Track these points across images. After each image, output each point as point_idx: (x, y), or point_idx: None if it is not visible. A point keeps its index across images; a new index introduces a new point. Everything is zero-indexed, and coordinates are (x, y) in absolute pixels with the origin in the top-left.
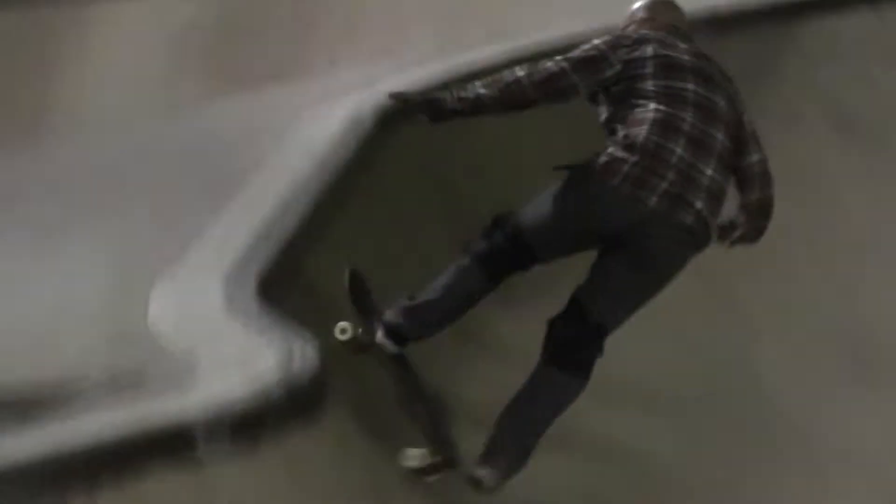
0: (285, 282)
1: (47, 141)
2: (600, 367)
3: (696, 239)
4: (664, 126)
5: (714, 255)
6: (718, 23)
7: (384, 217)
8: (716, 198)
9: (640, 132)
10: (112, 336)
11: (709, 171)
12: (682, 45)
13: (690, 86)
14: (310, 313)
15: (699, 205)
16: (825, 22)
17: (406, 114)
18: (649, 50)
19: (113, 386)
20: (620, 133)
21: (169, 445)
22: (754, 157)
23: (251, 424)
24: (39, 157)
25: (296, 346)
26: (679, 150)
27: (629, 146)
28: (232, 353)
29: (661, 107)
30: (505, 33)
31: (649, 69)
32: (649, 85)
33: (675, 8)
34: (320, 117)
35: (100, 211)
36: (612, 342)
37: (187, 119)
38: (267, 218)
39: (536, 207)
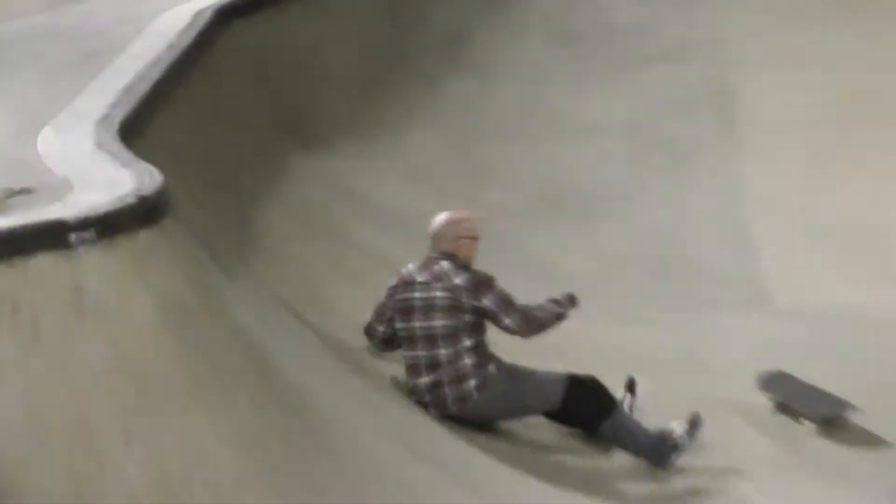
0: (138, 137)
1: None
2: None
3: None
4: None
5: None
6: None
7: (216, 91)
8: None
9: None
10: (11, 163)
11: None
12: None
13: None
14: (153, 154)
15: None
16: None
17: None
18: None
19: (9, 195)
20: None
21: (49, 236)
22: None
23: (115, 225)
24: None
25: (145, 173)
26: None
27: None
28: (100, 177)
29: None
30: None
31: None
32: None
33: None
34: (173, 13)
35: (12, 73)
36: None
37: (70, 10)
38: (127, 85)
39: None
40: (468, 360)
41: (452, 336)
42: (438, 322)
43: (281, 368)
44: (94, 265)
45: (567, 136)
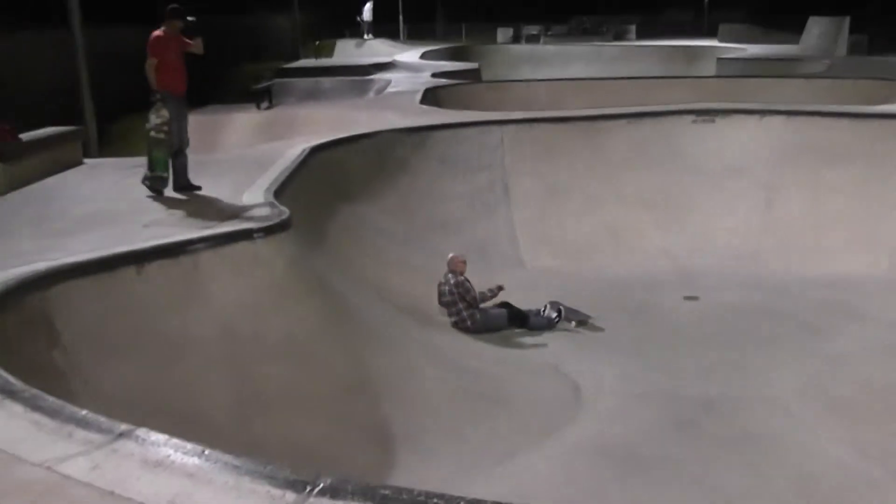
0: (280, 196)
1: (217, 153)
2: None
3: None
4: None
5: None
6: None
7: (311, 189)
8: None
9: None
10: (236, 204)
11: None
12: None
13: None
14: (286, 203)
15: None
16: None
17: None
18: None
19: (240, 220)
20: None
21: (244, 235)
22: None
23: (269, 229)
24: (214, 157)
25: (283, 209)
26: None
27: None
28: (265, 213)
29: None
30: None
31: None
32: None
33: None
34: (294, 149)
35: (232, 172)
36: None
37: (255, 148)
38: (276, 177)
39: None
40: (465, 313)
41: (454, 304)
42: (447, 298)
43: (336, 288)
44: (263, 246)
45: (445, 199)
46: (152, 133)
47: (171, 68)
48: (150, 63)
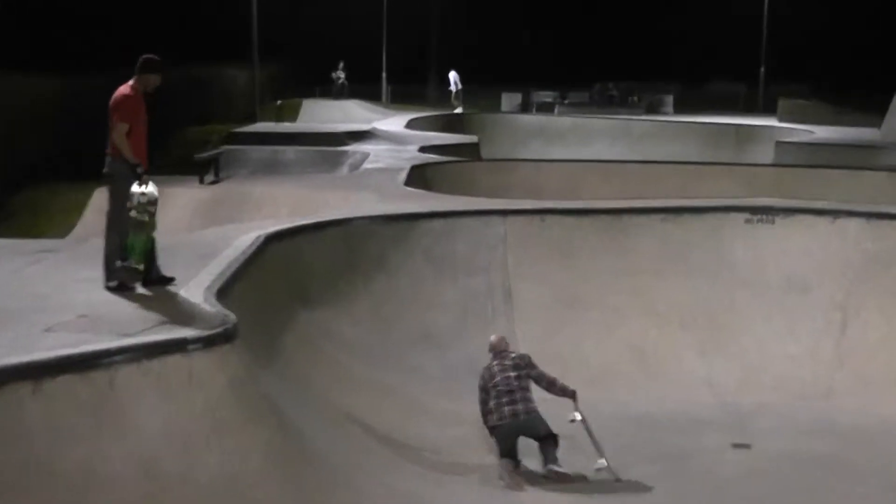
0: (225, 296)
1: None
2: None
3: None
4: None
5: None
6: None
7: (264, 288)
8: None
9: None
10: (169, 304)
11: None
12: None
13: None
14: (230, 307)
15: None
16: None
17: None
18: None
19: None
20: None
21: (177, 346)
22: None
23: (209, 340)
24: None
25: (228, 314)
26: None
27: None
28: (208, 316)
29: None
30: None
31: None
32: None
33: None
34: (246, 237)
35: (166, 262)
36: None
37: (196, 233)
38: (221, 271)
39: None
40: (529, 404)
41: (516, 388)
42: (502, 386)
43: (288, 417)
44: (199, 361)
45: (430, 307)
46: (134, 213)
47: (142, 136)
48: (121, 130)
